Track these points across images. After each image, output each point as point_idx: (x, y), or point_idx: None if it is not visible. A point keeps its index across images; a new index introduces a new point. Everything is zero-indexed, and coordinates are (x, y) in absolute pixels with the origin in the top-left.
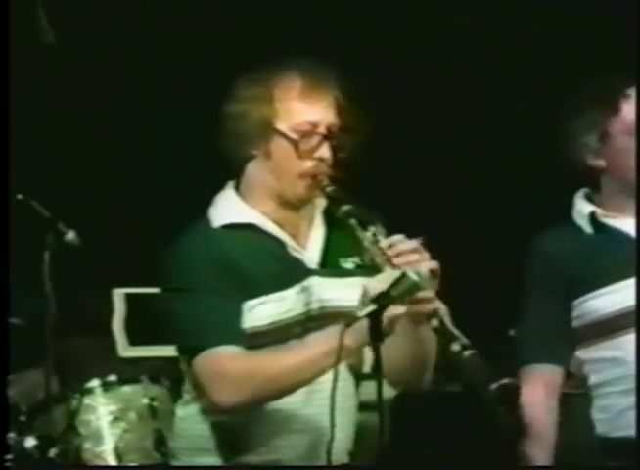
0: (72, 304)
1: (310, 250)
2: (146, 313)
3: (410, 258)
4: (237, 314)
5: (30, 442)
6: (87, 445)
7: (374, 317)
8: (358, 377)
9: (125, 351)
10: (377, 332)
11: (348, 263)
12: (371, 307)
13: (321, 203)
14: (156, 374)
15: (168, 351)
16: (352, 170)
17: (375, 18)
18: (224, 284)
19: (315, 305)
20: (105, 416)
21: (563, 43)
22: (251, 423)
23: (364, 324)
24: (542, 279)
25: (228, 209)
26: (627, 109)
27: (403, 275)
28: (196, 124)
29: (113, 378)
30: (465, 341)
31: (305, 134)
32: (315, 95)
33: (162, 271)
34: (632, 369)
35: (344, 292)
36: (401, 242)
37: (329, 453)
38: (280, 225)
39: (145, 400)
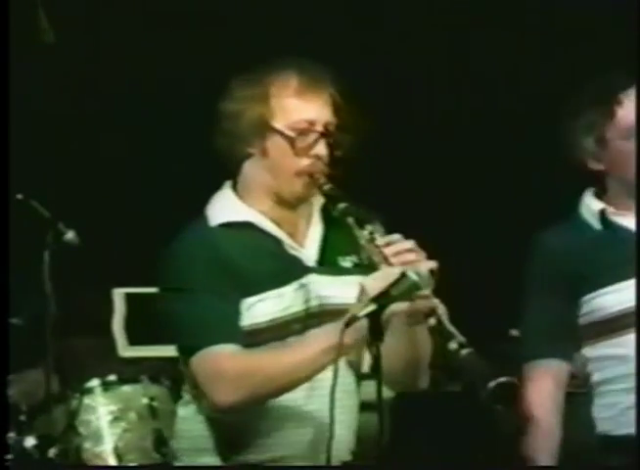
0: (72, 303)
1: (308, 248)
2: (146, 313)
3: (407, 257)
4: (235, 313)
5: (30, 441)
6: (87, 444)
7: (374, 317)
8: (359, 375)
9: (125, 350)
10: (377, 332)
11: (346, 262)
12: (371, 307)
13: (319, 201)
14: (156, 374)
15: (168, 350)
16: (351, 169)
17: (374, 16)
18: (221, 283)
19: (314, 303)
20: (105, 416)
21: (563, 43)
22: (253, 420)
23: (363, 323)
24: (549, 275)
25: (225, 207)
26: (622, 113)
27: (403, 275)
28: (196, 124)
29: (112, 378)
30: (462, 339)
31: (302, 132)
32: (312, 93)
33: (160, 271)
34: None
35: (343, 289)
36: (398, 241)
37: (329, 451)
38: (277, 224)
39: (145, 400)
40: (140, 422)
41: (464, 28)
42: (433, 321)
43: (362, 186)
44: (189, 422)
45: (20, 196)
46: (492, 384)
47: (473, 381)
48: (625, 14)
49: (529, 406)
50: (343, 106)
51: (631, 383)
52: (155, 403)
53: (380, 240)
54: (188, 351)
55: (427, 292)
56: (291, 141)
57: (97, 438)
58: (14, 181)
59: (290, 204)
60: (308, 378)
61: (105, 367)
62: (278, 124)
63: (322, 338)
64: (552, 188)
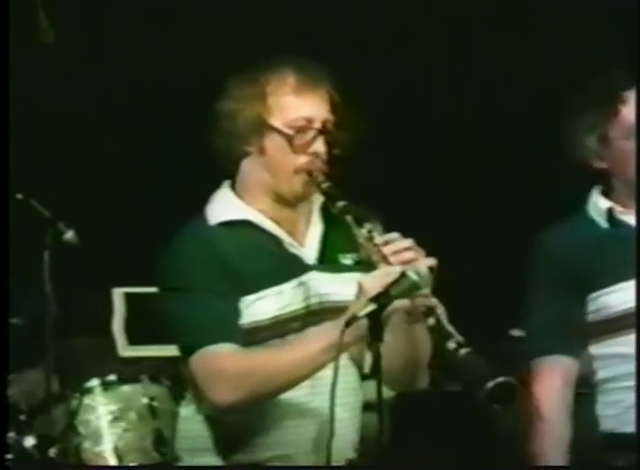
0: (72, 303)
1: (308, 246)
2: (145, 313)
3: (406, 255)
4: (233, 312)
5: (30, 441)
6: (87, 444)
7: (373, 317)
8: (362, 372)
9: (125, 350)
10: (376, 331)
11: (347, 259)
12: (371, 307)
13: (318, 199)
14: (155, 374)
15: (168, 350)
16: (350, 167)
17: (372, 13)
18: (220, 282)
19: (314, 300)
20: (104, 416)
21: (562, 43)
22: (255, 419)
23: (363, 322)
24: (556, 272)
25: (224, 206)
26: (625, 112)
27: (403, 275)
28: (196, 124)
29: (112, 378)
30: (460, 339)
31: (300, 129)
32: (309, 90)
33: (159, 270)
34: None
35: (343, 287)
36: (397, 239)
37: (329, 450)
38: (277, 222)
39: (145, 400)
40: (140, 422)
41: (463, 26)
42: (431, 321)
43: (361, 184)
44: (191, 422)
45: (20, 196)
46: (490, 384)
47: (471, 381)
48: (625, 14)
49: (538, 403)
50: (341, 103)
51: (634, 381)
52: (155, 403)
53: (378, 238)
54: (187, 350)
55: (426, 291)
56: (289, 139)
57: (97, 437)
58: (14, 181)
59: (289, 202)
60: (308, 377)
61: (105, 367)
62: (275, 122)
63: (321, 336)
64: (552, 188)
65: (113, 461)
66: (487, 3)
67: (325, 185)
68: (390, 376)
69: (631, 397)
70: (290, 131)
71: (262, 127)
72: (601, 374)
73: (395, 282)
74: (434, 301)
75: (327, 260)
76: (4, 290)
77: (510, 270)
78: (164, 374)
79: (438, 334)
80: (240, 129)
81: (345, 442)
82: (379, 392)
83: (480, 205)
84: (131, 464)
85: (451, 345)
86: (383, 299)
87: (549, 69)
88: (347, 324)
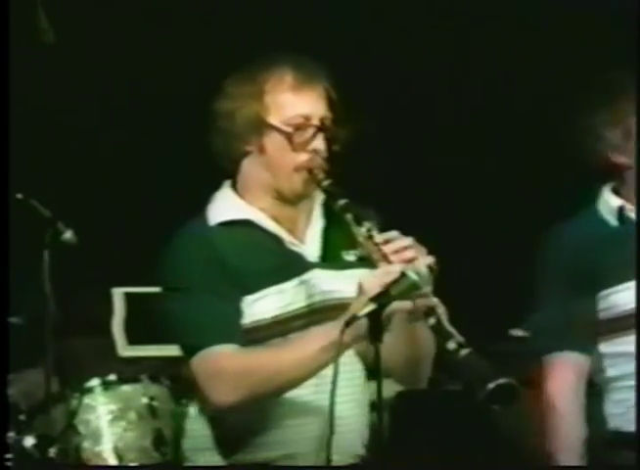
0: (72, 303)
1: (309, 244)
2: (145, 313)
3: (407, 254)
4: (234, 312)
5: (30, 441)
6: (86, 444)
7: (373, 316)
8: (369, 369)
9: (125, 350)
10: (376, 331)
11: (350, 255)
12: (370, 307)
13: (319, 196)
14: (155, 373)
15: (168, 350)
16: (350, 165)
17: (371, 10)
18: (220, 282)
19: (317, 298)
20: (104, 416)
21: (562, 43)
22: (259, 418)
23: (363, 321)
24: (567, 268)
25: (225, 206)
26: None
27: (403, 274)
28: (196, 123)
29: (112, 377)
30: (461, 339)
31: (299, 127)
32: (306, 88)
33: (159, 270)
34: None
35: (346, 284)
36: (397, 238)
37: (328, 448)
38: (278, 221)
39: (145, 400)
40: (140, 422)
41: (463, 24)
42: (432, 321)
43: (360, 182)
44: (199, 421)
45: (19, 195)
46: (491, 385)
47: (471, 381)
48: (625, 14)
49: (551, 399)
50: (339, 100)
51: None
52: (154, 403)
53: (378, 237)
54: (188, 350)
55: (426, 290)
56: (288, 136)
57: (96, 437)
58: (14, 181)
59: (290, 200)
60: (309, 376)
61: (104, 367)
62: (274, 121)
63: (322, 336)
64: (552, 187)
65: (112, 461)
66: (487, 3)
67: (325, 183)
68: (396, 373)
69: (634, 396)
70: (288, 129)
71: (261, 126)
72: (609, 372)
73: (395, 282)
74: (434, 300)
75: (329, 257)
76: (4, 290)
77: (510, 270)
78: (164, 374)
79: (439, 334)
80: (238, 128)
81: (354, 438)
82: (379, 392)
83: (480, 204)
84: (131, 464)
85: (452, 345)
86: (382, 298)
87: (549, 68)
88: (347, 324)
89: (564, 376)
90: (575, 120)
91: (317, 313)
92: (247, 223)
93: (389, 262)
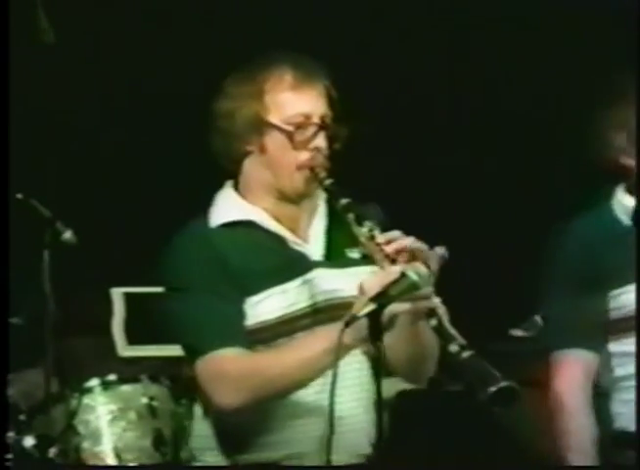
0: (72, 303)
1: (312, 242)
2: (145, 313)
3: (408, 254)
4: (236, 313)
5: (29, 441)
6: (86, 444)
7: (373, 317)
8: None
9: (124, 350)
10: (376, 332)
11: (354, 253)
12: (370, 307)
13: (323, 194)
14: (155, 373)
15: (168, 350)
16: (351, 163)
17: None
18: (222, 283)
19: (320, 298)
20: (104, 416)
21: (562, 43)
22: (266, 418)
23: (363, 322)
24: (580, 265)
25: (227, 207)
26: None
27: (403, 275)
28: (196, 123)
29: (112, 377)
30: (463, 341)
31: (299, 125)
32: (306, 86)
33: (160, 271)
34: None
35: (350, 282)
36: (399, 238)
37: (328, 448)
38: (279, 220)
39: (144, 400)
40: (140, 422)
41: (463, 24)
42: (434, 322)
43: (361, 182)
44: (204, 420)
45: (19, 195)
46: (493, 388)
47: (473, 383)
48: (625, 14)
49: (559, 396)
50: (339, 98)
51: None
52: (154, 403)
53: (380, 237)
54: (189, 351)
55: (427, 291)
56: (289, 135)
57: (96, 437)
58: (14, 181)
59: (292, 199)
60: (312, 378)
61: (104, 367)
62: (274, 120)
63: (323, 338)
64: (552, 189)
65: (112, 461)
66: (487, 2)
67: (327, 182)
68: (401, 370)
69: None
70: (289, 128)
71: (261, 125)
72: (617, 372)
73: (395, 282)
74: (436, 302)
75: (333, 256)
76: (4, 290)
77: (510, 270)
78: (164, 374)
79: (441, 336)
80: (238, 128)
81: (361, 437)
82: (378, 392)
83: (480, 204)
84: (131, 464)
85: (454, 347)
86: (382, 299)
87: (549, 68)
88: (347, 324)
89: (572, 373)
90: (580, 122)
91: (321, 313)
92: (249, 224)
93: (392, 262)
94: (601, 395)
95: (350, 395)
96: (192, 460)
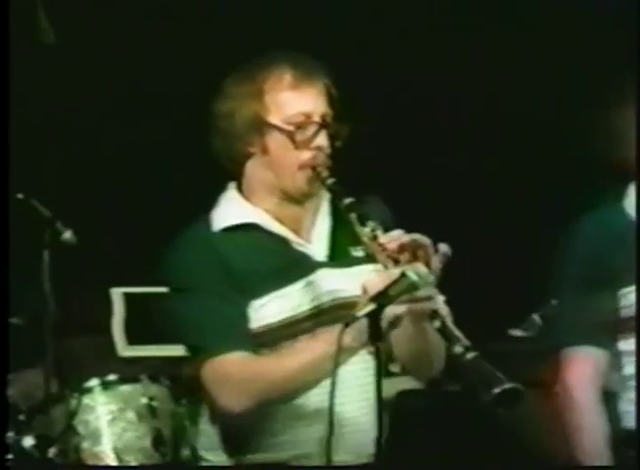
0: (72, 303)
1: (315, 243)
2: (145, 313)
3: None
4: (240, 318)
5: (29, 441)
6: (86, 444)
7: (373, 317)
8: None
9: (124, 350)
10: (376, 332)
11: (359, 251)
12: (370, 307)
13: (326, 194)
14: (155, 374)
15: (168, 350)
16: (351, 162)
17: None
18: (226, 287)
19: (325, 298)
20: (104, 416)
21: (562, 43)
22: (269, 419)
23: (364, 323)
24: (589, 264)
25: (229, 210)
26: None
27: (403, 274)
28: (196, 123)
29: (112, 377)
30: (467, 343)
31: (300, 125)
32: (306, 85)
33: (163, 273)
34: None
35: (354, 282)
36: (401, 237)
37: (328, 448)
38: (282, 222)
39: (144, 400)
40: (139, 422)
41: (462, 23)
42: (437, 324)
43: (361, 182)
44: (210, 421)
45: (19, 195)
46: (497, 390)
47: (476, 385)
48: (625, 14)
49: (569, 392)
50: (339, 96)
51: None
52: (154, 403)
53: (383, 238)
54: (194, 355)
55: (429, 292)
56: (290, 135)
57: (96, 437)
58: (14, 181)
59: (295, 199)
60: (316, 381)
61: (104, 367)
62: (274, 120)
63: (324, 341)
64: (552, 189)
65: (112, 461)
66: (487, 2)
67: (330, 181)
68: (409, 366)
69: None
70: (290, 128)
71: (262, 126)
72: (626, 370)
73: (395, 282)
74: (438, 303)
75: (337, 255)
76: (4, 290)
77: (510, 270)
78: (164, 374)
79: (444, 337)
80: (238, 129)
81: (368, 438)
82: (378, 392)
83: (480, 204)
84: (131, 464)
85: (458, 349)
86: (381, 298)
87: (548, 68)
88: (347, 324)
89: (583, 370)
90: (583, 121)
91: (325, 314)
92: (251, 227)
93: (395, 263)
94: (609, 393)
95: (358, 394)
96: (198, 460)
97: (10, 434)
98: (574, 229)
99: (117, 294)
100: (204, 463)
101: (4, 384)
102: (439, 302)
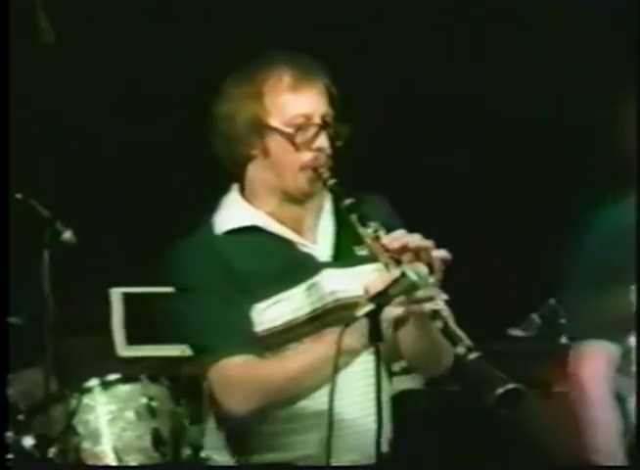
0: (71, 303)
1: (320, 243)
2: (144, 313)
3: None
4: (244, 321)
5: (28, 441)
6: (86, 444)
7: (373, 317)
8: (389, 367)
9: (124, 350)
10: (376, 332)
11: (363, 250)
12: (369, 307)
13: (329, 193)
14: (155, 373)
15: (167, 350)
16: (353, 162)
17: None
18: (230, 291)
19: (329, 299)
20: (103, 416)
21: (562, 43)
22: (275, 420)
23: (364, 324)
24: (604, 259)
25: (232, 213)
26: None
27: (403, 274)
28: (196, 123)
29: (111, 377)
30: (469, 343)
31: (300, 127)
32: (305, 86)
33: (165, 279)
34: None
35: (359, 281)
36: (403, 237)
37: (328, 449)
38: (286, 223)
39: (144, 400)
40: (138, 422)
41: (463, 22)
42: (439, 324)
43: (361, 181)
44: (215, 422)
45: (19, 195)
46: (500, 390)
47: (479, 385)
48: (625, 14)
49: (583, 386)
50: (339, 95)
51: None
52: (153, 403)
53: (385, 238)
54: (198, 358)
55: (430, 293)
56: (290, 137)
57: (95, 437)
58: (14, 181)
59: (297, 199)
60: (321, 384)
61: (104, 367)
62: (274, 122)
63: (326, 343)
64: (552, 189)
65: (111, 461)
66: (487, 2)
67: (331, 182)
68: (417, 364)
69: None
70: (290, 130)
71: (262, 128)
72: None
73: (395, 282)
74: (439, 304)
75: (342, 254)
76: (4, 290)
77: (510, 270)
78: (163, 374)
79: (447, 337)
80: (238, 131)
81: (372, 438)
82: (378, 392)
83: (480, 204)
84: (130, 464)
85: (460, 349)
86: (381, 298)
87: (548, 68)
88: (347, 324)
89: (596, 364)
90: (585, 121)
91: (330, 314)
92: (254, 229)
93: (397, 264)
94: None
95: (360, 396)
96: (199, 460)
97: (9, 434)
98: (587, 225)
99: (117, 294)
100: (210, 463)
101: (4, 384)
102: (440, 303)
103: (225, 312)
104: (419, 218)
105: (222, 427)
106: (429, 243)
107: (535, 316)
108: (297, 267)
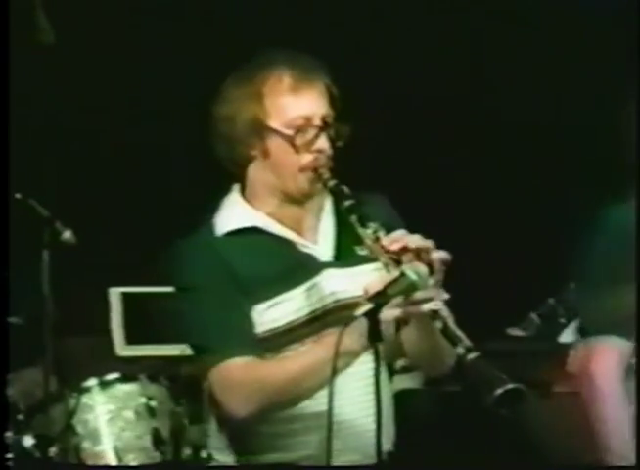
0: (71, 303)
1: (321, 243)
2: (143, 313)
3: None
4: (244, 322)
5: (28, 441)
6: (85, 444)
7: (372, 317)
8: (391, 366)
9: (123, 350)
10: (375, 332)
11: (364, 250)
12: (367, 306)
13: (329, 194)
14: (154, 373)
15: (166, 350)
16: (354, 161)
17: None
18: (231, 292)
19: (329, 299)
20: (102, 415)
21: (562, 43)
22: (276, 421)
23: (364, 324)
24: (616, 256)
25: (232, 214)
26: None
27: (402, 274)
28: (196, 124)
29: (111, 377)
30: (469, 343)
31: (300, 129)
32: (305, 87)
33: (166, 281)
34: None
35: (359, 282)
36: (403, 238)
37: (329, 449)
38: (286, 224)
39: (143, 399)
40: (138, 421)
41: (463, 22)
42: (439, 325)
43: (361, 182)
44: (217, 423)
45: (18, 195)
46: (500, 390)
47: (479, 385)
48: (625, 14)
49: (596, 381)
50: (340, 96)
51: None
52: (152, 403)
53: (385, 239)
54: (200, 359)
55: (429, 293)
56: (289, 139)
57: (95, 437)
58: (13, 181)
59: (297, 200)
60: (322, 385)
61: (103, 366)
62: (274, 124)
63: (326, 344)
64: (552, 189)
65: (111, 461)
66: (487, 2)
67: (331, 183)
68: (421, 363)
69: None
70: (289, 132)
71: (262, 129)
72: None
73: (394, 281)
74: (438, 304)
75: (343, 255)
76: (4, 290)
77: (510, 270)
78: (163, 374)
79: (447, 338)
80: (239, 132)
81: (373, 438)
82: (377, 392)
83: (480, 203)
84: (130, 464)
85: (460, 349)
86: (380, 298)
87: (549, 68)
88: (346, 324)
89: (608, 360)
90: (585, 121)
91: (330, 315)
92: (255, 230)
93: (397, 264)
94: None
95: (366, 395)
96: (200, 460)
97: (9, 433)
98: (599, 221)
99: (116, 293)
100: (213, 463)
101: (3, 383)
102: (440, 303)
103: (226, 314)
104: (419, 218)
105: (224, 428)
106: (429, 243)
107: (535, 316)
108: (298, 268)
